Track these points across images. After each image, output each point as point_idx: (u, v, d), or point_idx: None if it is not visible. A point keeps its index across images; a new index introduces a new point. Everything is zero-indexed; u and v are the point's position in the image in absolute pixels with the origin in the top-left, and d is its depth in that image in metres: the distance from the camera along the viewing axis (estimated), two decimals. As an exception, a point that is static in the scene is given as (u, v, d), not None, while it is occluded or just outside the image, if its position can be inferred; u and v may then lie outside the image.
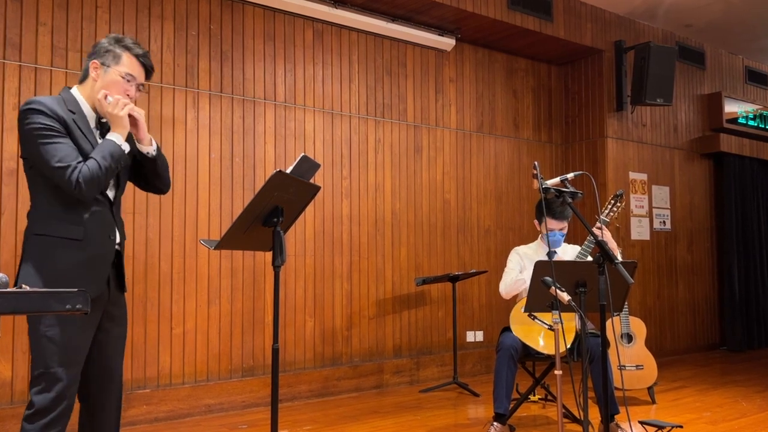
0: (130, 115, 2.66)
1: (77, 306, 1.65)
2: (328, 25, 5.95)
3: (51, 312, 1.67)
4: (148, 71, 2.77)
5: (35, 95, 4.53)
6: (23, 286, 1.71)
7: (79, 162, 2.52)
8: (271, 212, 2.89)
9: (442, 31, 6.56)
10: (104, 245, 2.64)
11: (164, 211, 4.99)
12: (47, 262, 2.51)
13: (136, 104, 2.74)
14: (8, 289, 1.60)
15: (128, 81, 2.68)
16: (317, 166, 3.04)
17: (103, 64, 2.67)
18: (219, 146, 5.31)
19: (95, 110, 2.69)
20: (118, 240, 2.71)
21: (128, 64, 2.69)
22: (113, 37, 2.73)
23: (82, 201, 2.56)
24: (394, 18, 6.22)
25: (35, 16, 4.59)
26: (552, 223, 4.40)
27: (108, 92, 2.63)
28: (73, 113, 2.60)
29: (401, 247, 6.29)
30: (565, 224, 4.45)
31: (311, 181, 3.04)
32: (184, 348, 5.03)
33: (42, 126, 2.49)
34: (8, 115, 4.47)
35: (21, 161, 4.07)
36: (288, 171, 2.86)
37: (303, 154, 2.99)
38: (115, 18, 4.90)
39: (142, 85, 2.75)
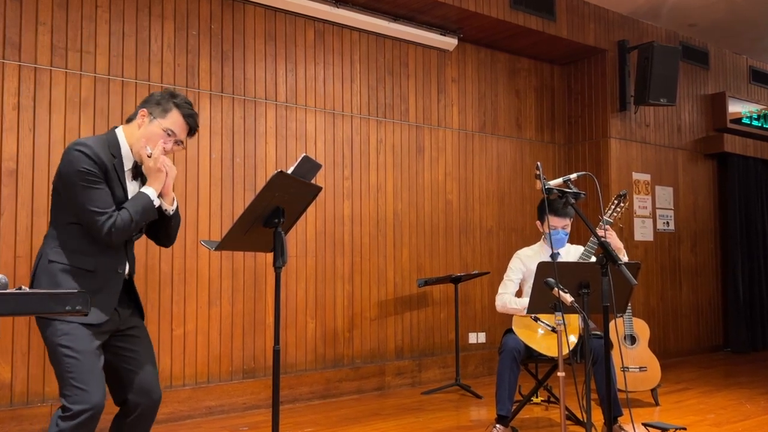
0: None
1: (77, 307, 1.65)
2: (329, 24, 5.93)
3: (51, 313, 1.67)
4: (192, 131, 2.86)
5: (35, 95, 4.53)
6: (22, 287, 1.71)
7: (114, 210, 2.64)
8: (272, 213, 2.87)
9: (444, 30, 6.53)
10: (113, 277, 2.73)
11: (165, 211, 4.96)
12: (56, 287, 2.59)
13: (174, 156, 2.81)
14: (8, 291, 1.60)
15: (168, 135, 2.78)
16: (318, 166, 3.02)
17: (150, 113, 2.78)
18: (220, 146, 5.29)
19: (134, 154, 2.79)
20: (127, 272, 2.80)
21: (173, 120, 2.80)
22: (169, 92, 2.85)
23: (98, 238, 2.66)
24: (396, 18, 6.19)
25: (35, 15, 4.57)
26: (555, 221, 4.35)
27: (148, 144, 2.74)
28: (114, 157, 2.71)
29: (403, 248, 6.27)
30: (567, 222, 4.40)
31: (312, 181, 3.02)
32: (184, 349, 5.01)
33: (85, 171, 2.60)
34: (8, 115, 4.44)
35: (16, 165, 4.02)
36: (289, 171, 2.84)
37: (304, 154, 2.97)
38: (115, 17, 4.88)
39: (182, 141, 2.84)
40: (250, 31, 5.50)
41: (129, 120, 2.83)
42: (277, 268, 2.87)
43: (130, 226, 2.65)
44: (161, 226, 2.91)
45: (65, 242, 2.66)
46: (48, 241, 2.69)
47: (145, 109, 2.79)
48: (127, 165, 2.78)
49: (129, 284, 2.83)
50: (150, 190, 2.73)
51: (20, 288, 1.67)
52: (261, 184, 5.26)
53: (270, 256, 2.91)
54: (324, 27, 5.92)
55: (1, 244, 4.37)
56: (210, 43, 5.30)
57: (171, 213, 2.86)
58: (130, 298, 2.83)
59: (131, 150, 2.78)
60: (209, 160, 5.23)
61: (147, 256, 4.85)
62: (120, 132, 2.80)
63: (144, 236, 2.93)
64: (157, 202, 2.75)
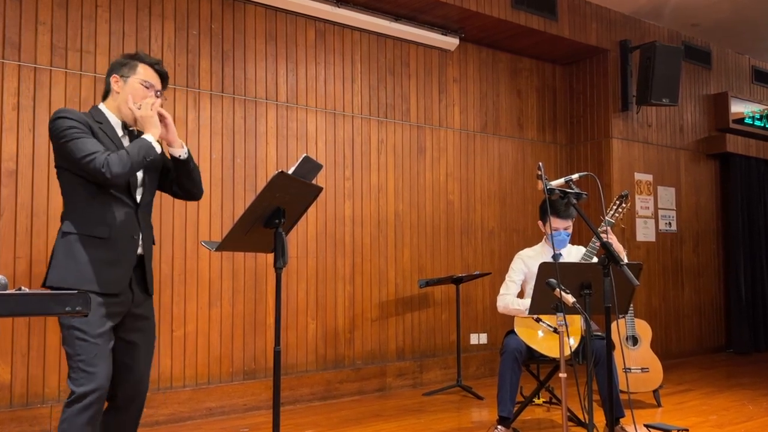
0: (159, 116, 2.83)
1: (77, 308, 1.66)
2: (330, 24, 5.92)
3: (50, 314, 1.67)
4: (164, 78, 2.93)
5: (34, 95, 4.52)
6: (22, 287, 1.72)
7: (108, 152, 2.66)
8: (272, 213, 2.87)
9: (445, 30, 6.52)
10: (127, 245, 2.77)
11: (165, 212, 4.96)
12: (72, 257, 2.67)
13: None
14: (7, 291, 1.60)
15: (147, 88, 2.85)
16: (319, 166, 3.02)
17: (122, 76, 2.84)
18: (220, 147, 5.27)
19: (122, 120, 2.85)
20: (141, 241, 2.83)
21: (144, 72, 2.86)
22: (125, 54, 2.98)
23: (108, 204, 2.71)
24: (397, 17, 6.18)
25: (34, 15, 4.56)
26: (557, 222, 4.32)
27: (132, 99, 2.81)
28: (100, 123, 2.78)
29: (404, 249, 6.25)
30: (569, 223, 4.38)
31: (313, 182, 3.01)
32: (184, 350, 5.00)
33: (68, 126, 2.65)
34: (8, 115, 4.43)
35: (16, 165, 4.01)
36: (290, 172, 2.84)
37: (305, 154, 2.96)
38: (115, 17, 4.86)
39: (160, 92, 2.90)
40: (251, 30, 5.49)
41: (105, 96, 2.90)
42: (278, 269, 2.87)
43: (127, 159, 2.66)
44: (183, 175, 2.96)
45: (76, 213, 2.71)
46: (63, 218, 2.76)
47: (115, 75, 2.85)
48: (119, 131, 2.84)
49: (141, 259, 2.84)
50: (148, 136, 2.76)
51: (20, 289, 1.67)
52: (261, 184, 5.22)
53: (270, 256, 2.92)
54: (325, 27, 5.90)
55: (0, 244, 4.36)
56: (210, 43, 5.28)
57: (185, 156, 2.92)
58: (143, 276, 2.85)
59: (120, 117, 2.84)
60: (209, 161, 5.21)
61: (147, 257, 4.83)
62: (101, 107, 2.87)
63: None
64: (157, 147, 2.77)
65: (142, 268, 2.85)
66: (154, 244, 2.96)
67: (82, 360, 2.61)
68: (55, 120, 2.68)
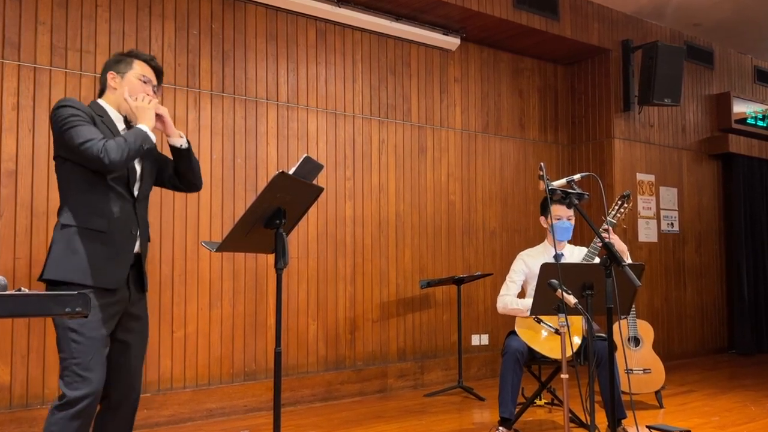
0: (156, 114, 2.86)
1: (77, 309, 1.65)
2: (331, 24, 5.90)
3: (50, 315, 1.66)
4: (159, 73, 2.98)
5: (34, 95, 4.50)
6: (22, 288, 1.71)
7: (105, 138, 2.67)
8: (273, 214, 2.86)
9: (446, 30, 6.50)
10: (126, 240, 2.76)
11: (165, 212, 4.95)
12: (70, 251, 2.65)
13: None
14: (7, 292, 1.59)
15: (145, 83, 2.89)
16: (320, 167, 3.01)
17: (119, 72, 2.88)
18: (220, 147, 5.26)
19: (121, 114, 2.87)
20: (139, 235, 2.83)
21: (140, 68, 2.91)
22: (119, 52, 2.98)
23: (106, 197, 2.70)
24: (398, 17, 6.16)
25: (34, 14, 4.55)
26: (559, 210, 4.28)
27: (129, 94, 2.85)
28: (101, 116, 2.80)
29: (405, 249, 6.23)
30: (572, 212, 4.32)
31: (314, 182, 3.01)
32: (185, 351, 4.98)
33: (70, 114, 2.66)
34: (7, 115, 4.42)
35: (16, 166, 3.99)
36: (290, 172, 2.83)
37: (306, 154, 2.95)
38: (115, 17, 4.85)
39: (156, 86, 2.95)
40: (251, 30, 5.47)
41: (101, 92, 2.92)
42: (279, 270, 2.86)
43: (124, 146, 2.66)
44: (183, 166, 2.97)
45: (75, 206, 2.70)
46: (61, 211, 2.74)
47: (111, 72, 2.89)
48: (119, 125, 2.85)
49: (138, 257, 2.84)
50: (142, 126, 2.78)
51: (20, 289, 1.67)
52: (262, 184, 5.25)
53: (271, 257, 2.91)
54: (326, 26, 5.88)
55: (0, 245, 4.35)
56: (211, 43, 5.27)
57: (186, 146, 2.94)
58: (138, 273, 2.85)
59: (119, 110, 2.87)
60: (210, 161, 5.20)
61: (147, 258, 4.80)
62: (101, 101, 2.89)
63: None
64: (152, 136, 2.79)
65: (138, 265, 2.85)
66: (149, 241, 2.96)
67: (77, 363, 2.58)
68: (57, 108, 2.69)
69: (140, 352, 2.88)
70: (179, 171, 3.01)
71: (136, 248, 2.83)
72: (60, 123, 2.66)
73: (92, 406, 2.60)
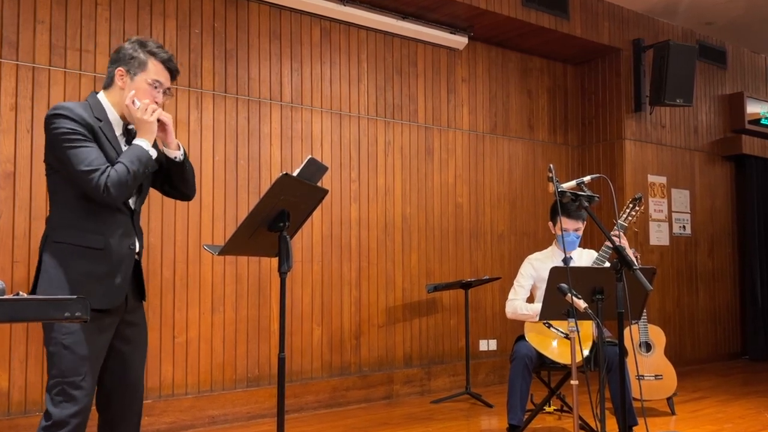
0: (158, 120, 2.68)
1: (76, 314, 1.61)
2: (336, 22, 5.84)
3: (49, 320, 1.64)
4: (174, 75, 2.78)
5: (33, 95, 4.45)
6: (20, 293, 1.69)
7: (107, 166, 2.51)
8: (277, 216, 2.81)
9: (454, 29, 6.44)
10: (124, 255, 2.64)
11: (166, 215, 4.89)
12: (66, 270, 2.52)
13: (163, 109, 2.73)
14: (6, 297, 1.57)
15: (155, 88, 2.69)
16: (325, 168, 2.95)
17: (128, 71, 2.67)
18: (223, 148, 5.20)
19: (122, 117, 2.70)
20: (137, 249, 2.72)
21: (154, 70, 2.69)
22: (137, 41, 2.72)
23: (102, 210, 2.57)
24: (404, 15, 6.11)
25: (33, 13, 4.50)
26: (567, 223, 4.32)
27: (136, 98, 2.65)
28: (100, 121, 2.61)
29: (412, 253, 6.17)
30: (580, 224, 4.39)
31: (319, 184, 2.96)
32: (186, 357, 4.93)
33: (68, 130, 2.50)
34: (5, 116, 4.37)
35: (14, 167, 3.92)
36: (294, 174, 2.78)
37: (310, 156, 2.91)
38: (115, 15, 4.80)
39: (169, 89, 2.76)
40: (255, 29, 5.42)
41: (106, 86, 2.72)
42: (282, 274, 2.81)
43: (128, 177, 2.52)
44: (176, 176, 2.83)
45: (69, 220, 2.56)
46: (50, 223, 2.59)
47: (121, 68, 2.67)
48: (118, 130, 2.68)
49: (136, 264, 2.73)
50: (142, 141, 2.61)
51: (18, 294, 1.64)
52: (265, 186, 5.20)
53: (275, 261, 2.86)
54: (330, 25, 5.83)
55: (-3, 248, 4.30)
56: (213, 42, 5.22)
57: (181, 159, 2.78)
58: (136, 281, 2.74)
59: (121, 114, 2.69)
60: (212, 162, 5.14)
61: (148, 261, 4.77)
62: (102, 97, 2.70)
63: (146, 241, 2.82)
64: (153, 152, 2.63)
65: (137, 275, 2.74)
66: (143, 248, 2.86)
67: (68, 382, 2.46)
68: (54, 117, 2.52)
69: (140, 359, 2.76)
70: (171, 181, 2.86)
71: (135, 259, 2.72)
72: (57, 138, 2.49)
73: (82, 426, 2.48)
